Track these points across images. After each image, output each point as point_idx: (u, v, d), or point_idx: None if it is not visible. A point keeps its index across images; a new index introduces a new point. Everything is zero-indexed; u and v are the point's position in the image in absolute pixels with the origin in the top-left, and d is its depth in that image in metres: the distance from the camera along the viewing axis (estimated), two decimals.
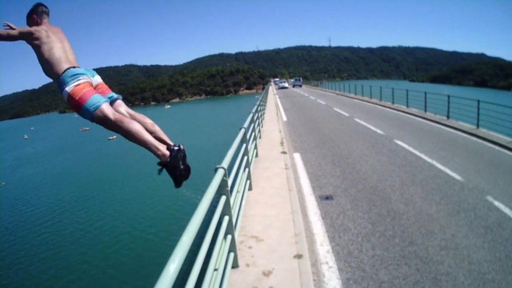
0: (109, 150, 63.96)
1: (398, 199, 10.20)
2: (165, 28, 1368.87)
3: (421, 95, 28.03)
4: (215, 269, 4.92)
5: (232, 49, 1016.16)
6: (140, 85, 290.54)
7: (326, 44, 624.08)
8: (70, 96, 4.34)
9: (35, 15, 4.85)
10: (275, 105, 41.86)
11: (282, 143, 17.89)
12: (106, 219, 27.51)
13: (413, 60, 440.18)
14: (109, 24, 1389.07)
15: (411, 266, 6.92)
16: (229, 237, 5.90)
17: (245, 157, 9.97)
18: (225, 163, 6.14)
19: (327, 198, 10.58)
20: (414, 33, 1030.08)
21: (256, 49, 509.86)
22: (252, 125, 14.07)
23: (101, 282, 19.45)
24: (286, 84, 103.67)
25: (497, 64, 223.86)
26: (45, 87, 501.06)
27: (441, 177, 12.11)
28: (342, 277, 6.63)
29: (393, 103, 35.27)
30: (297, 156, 16.12)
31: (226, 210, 5.83)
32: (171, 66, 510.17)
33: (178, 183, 4.57)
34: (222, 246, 5.47)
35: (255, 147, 14.72)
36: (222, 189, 5.73)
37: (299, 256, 6.64)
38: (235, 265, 6.33)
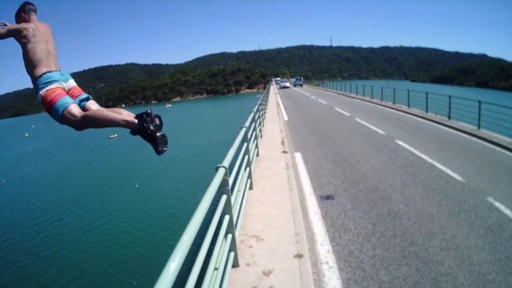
0: (109, 149, 63.94)
1: (399, 199, 10.20)
2: (166, 26, 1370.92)
3: (423, 95, 28.01)
4: (216, 268, 4.92)
5: (234, 48, 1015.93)
6: (142, 84, 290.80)
7: (327, 43, 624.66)
8: (43, 99, 4.66)
9: (23, 13, 5.08)
10: (276, 105, 41.98)
11: (283, 143, 17.90)
12: (106, 218, 27.51)
13: (414, 60, 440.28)
14: (111, 23, 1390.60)
15: (412, 266, 6.92)
16: (230, 236, 5.89)
17: (246, 156, 9.97)
18: (226, 162, 6.13)
19: (327, 197, 10.57)
20: (415, 33, 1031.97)
21: (257, 49, 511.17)
22: (253, 124, 14.04)
23: (101, 281, 19.44)
24: (287, 84, 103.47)
25: (499, 65, 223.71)
26: None
27: (442, 178, 12.10)
28: (343, 277, 6.63)
29: (394, 103, 35.24)
30: (298, 156, 16.11)
31: (227, 209, 5.82)
32: (173, 65, 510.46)
33: (156, 148, 4.78)
34: (222, 246, 5.47)
35: (256, 146, 14.72)
36: (223, 188, 5.72)
37: (299, 256, 6.63)
38: (235, 265, 6.33)
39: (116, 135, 77.18)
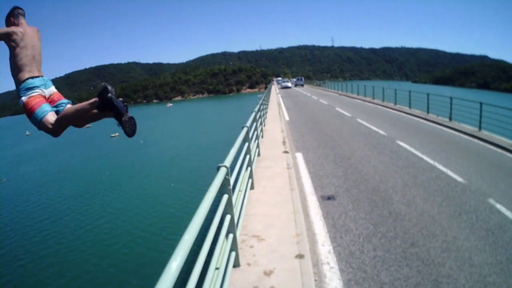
0: (111, 148, 63.97)
1: (400, 200, 10.20)
2: (167, 26, 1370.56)
3: (424, 96, 28.02)
4: (217, 268, 4.93)
5: (235, 48, 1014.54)
6: (143, 83, 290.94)
7: (329, 44, 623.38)
8: (24, 105, 5.04)
9: (12, 18, 5.35)
10: (278, 104, 42.02)
11: (284, 143, 17.94)
12: (107, 217, 27.50)
13: (415, 61, 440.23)
14: (112, 22, 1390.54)
15: (413, 267, 6.92)
16: (231, 236, 5.91)
17: (247, 156, 9.98)
18: (228, 161, 6.16)
19: (329, 198, 10.58)
20: (417, 34, 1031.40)
21: (259, 48, 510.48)
22: (255, 124, 14.13)
23: (101, 280, 19.44)
24: (289, 84, 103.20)
25: (500, 66, 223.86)
26: None
27: (443, 179, 12.11)
28: (344, 277, 6.64)
29: (395, 104, 35.25)
30: (299, 156, 16.11)
31: (228, 209, 5.83)
32: (174, 64, 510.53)
33: (120, 117, 4.89)
34: (223, 245, 5.47)
35: (257, 146, 14.76)
36: (224, 188, 5.73)
37: (300, 256, 6.65)
38: (236, 264, 6.31)
39: (117, 134, 77.09)
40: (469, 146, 17.45)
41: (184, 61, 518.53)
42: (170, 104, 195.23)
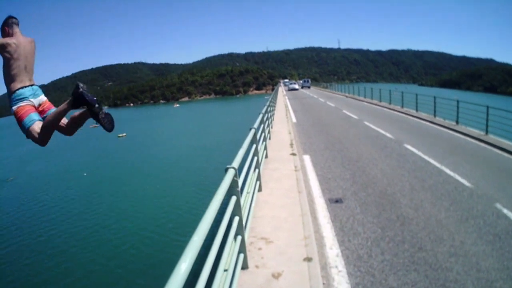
0: (118, 148, 64.10)
1: (408, 204, 10.18)
2: (174, 26, 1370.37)
3: (430, 99, 27.95)
4: (225, 270, 4.91)
5: (242, 49, 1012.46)
6: (150, 83, 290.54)
7: (335, 46, 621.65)
8: (15, 113, 5.34)
9: (6, 27, 5.52)
10: (285, 106, 41.94)
11: (291, 145, 17.91)
12: (114, 218, 27.48)
13: (422, 64, 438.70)
14: (119, 21, 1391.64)
15: (420, 272, 6.91)
16: (239, 238, 5.87)
17: (255, 158, 9.97)
18: (236, 163, 6.16)
19: (336, 201, 10.58)
20: (423, 36, 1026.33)
21: (265, 50, 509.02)
22: (262, 125, 14.13)
23: (109, 280, 19.47)
24: (296, 86, 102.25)
25: (506, 69, 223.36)
26: (53, 83, 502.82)
27: (450, 183, 12.08)
28: (352, 281, 6.63)
29: (402, 106, 35.16)
30: (306, 158, 16.11)
31: (237, 210, 5.85)
32: (181, 64, 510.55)
33: (92, 107, 5.10)
34: (232, 247, 5.46)
35: (265, 148, 14.75)
36: (233, 190, 5.73)
37: (308, 259, 6.64)
38: (244, 266, 6.30)
39: (124, 134, 77.30)
40: (476, 150, 17.40)
41: (191, 61, 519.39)
42: (177, 105, 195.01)
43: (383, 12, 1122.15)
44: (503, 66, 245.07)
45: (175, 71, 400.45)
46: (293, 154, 15.75)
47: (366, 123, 26.01)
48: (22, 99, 5.39)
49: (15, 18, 5.65)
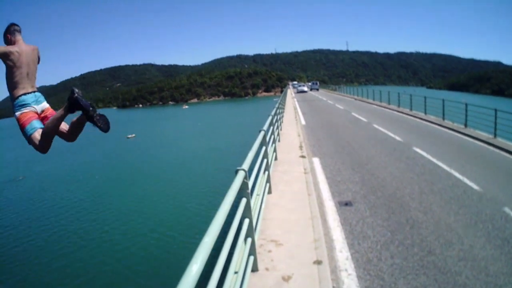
0: (127, 149, 64.18)
1: (417, 208, 10.18)
2: (183, 28, 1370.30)
3: (439, 102, 27.91)
4: (235, 272, 4.96)
5: (250, 51, 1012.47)
6: (159, 85, 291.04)
7: (344, 48, 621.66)
8: (17, 120, 5.57)
9: (9, 34, 5.74)
10: (294, 109, 42.07)
11: (301, 147, 17.97)
12: (122, 219, 27.48)
13: (430, 67, 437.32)
14: (128, 22, 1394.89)
15: (430, 276, 6.91)
16: (249, 240, 5.91)
17: (265, 160, 10.01)
18: (246, 165, 6.16)
19: (346, 204, 10.60)
20: (431, 39, 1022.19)
21: (274, 52, 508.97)
22: (271, 127, 14.17)
23: (119, 281, 19.45)
24: (305, 88, 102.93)
25: None
26: (63, 84, 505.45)
27: (459, 187, 12.06)
28: (361, 285, 6.65)
29: (411, 109, 35.05)
30: (316, 161, 16.14)
31: (247, 212, 5.85)
32: (189, 66, 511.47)
33: (87, 113, 5.30)
34: (242, 249, 5.49)
35: (274, 150, 14.76)
36: (243, 192, 5.76)
37: (318, 262, 6.67)
38: (254, 269, 6.34)
39: (133, 135, 77.35)
40: (485, 154, 17.35)
41: (200, 63, 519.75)
42: (186, 106, 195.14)
43: (391, 14, 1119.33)
44: (511, 69, 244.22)
45: (184, 73, 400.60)
46: (303, 157, 15.81)
47: (375, 125, 26.05)
48: (24, 106, 5.61)
49: (17, 26, 5.86)
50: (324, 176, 13.67)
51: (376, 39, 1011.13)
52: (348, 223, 9.25)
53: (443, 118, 27.35)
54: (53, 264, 21.86)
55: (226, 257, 4.14)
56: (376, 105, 45.68)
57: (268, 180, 10.24)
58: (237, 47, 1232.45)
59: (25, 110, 5.60)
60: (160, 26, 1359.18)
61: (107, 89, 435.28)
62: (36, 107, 5.75)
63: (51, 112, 5.87)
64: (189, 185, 34.79)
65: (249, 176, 6.66)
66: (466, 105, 23.65)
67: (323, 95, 77.06)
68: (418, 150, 17.62)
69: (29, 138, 5.48)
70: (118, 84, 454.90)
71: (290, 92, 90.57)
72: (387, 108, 40.74)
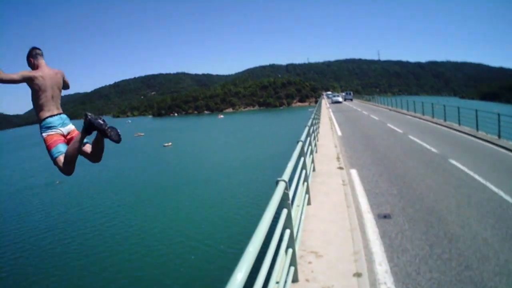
0: (164, 157, 64.43)
1: (455, 221, 10.12)
2: (216, 37, 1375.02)
3: (472, 112, 27.69)
4: (277, 282, 5.01)
5: (283, 61, 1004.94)
6: (193, 94, 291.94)
7: (375, 57, 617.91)
8: (44, 141, 5.87)
9: (32, 58, 6.01)
10: (329, 119, 42.15)
11: (338, 158, 18.08)
12: (160, 227, 27.42)
13: (461, 76, 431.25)
14: (161, 32, 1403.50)
15: None
16: (290, 251, 5.94)
17: (304, 171, 10.03)
18: (286, 176, 6.20)
19: (385, 216, 10.61)
20: (461, 47, 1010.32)
21: (306, 61, 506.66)
22: (309, 138, 14.16)
23: None
24: (340, 99, 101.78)
25: None
26: (97, 91, 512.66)
27: (495, 200, 11.93)
28: None
29: (445, 120, 34.83)
30: (353, 172, 16.13)
31: (288, 223, 5.91)
32: (223, 75, 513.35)
33: (104, 133, 5.56)
34: (283, 260, 5.52)
35: (312, 161, 14.77)
36: (284, 202, 5.80)
37: (358, 275, 6.73)
38: (295, 280, 6.34)
39: (170, 143, 77.65)
40: None
41: (233, 72, 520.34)
42: (222, 116, 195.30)
43: (421, 23, 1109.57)
44: None
45: (217, 82, 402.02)
46: (340, 168, 15.93)
47: (411, 137, 25.91)
48: (51, 128, 5.92)
49: (39, 49, 6.12)
50: (363, 188, 13.68)
51: (407, 48, 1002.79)
52: (387, 236, 9.26)
53: (477, 129, 27.11)
54: (88, 268, 22.08)
55: (268, 267, 4.21)
56: (411, 115, 45.45)
57: (307, 191, 10.32)
58: (270, 57, 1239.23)
59: (51, 132, 5.91)
60: (193, 35, 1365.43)
61: (142, 97, 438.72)
62: (62, 129, 6.04)
63: (77, 134, 6.06)
64: (225, 194, 34.71)
65: (289, 187, 6.63)
66: (499, 115, 23.42)
67: (357, 106, 76.86)
68: (453, 162, 17.47)
69: (54, 161, 5.82)
70: (153, 93, 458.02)
71: (325, 102, 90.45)
72: (421, 118, 40.57)
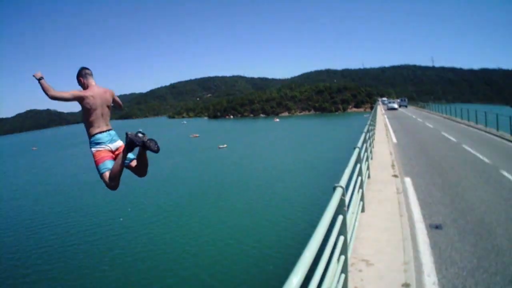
0: (218, 158, 64.90)
1: (503, 235, 9.99)
2: (271, 41, 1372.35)
3: None
4: None
5: (338, 66, 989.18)
6: (249, 97, 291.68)
7: (429, 63, 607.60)
8: (93, 156, 6.28)
9: (81, 78, 6.47)
10: (384, 126, 41.97)
11: (393, 166, 18.11)
12: (211, 228, 27.95)
13: None
14: (219, 35, 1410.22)
15: None
16: (343, 258, 5.97)
17: (359, 178, 10.08)
18: (343, 182, 6.25)
19: (436, 227, 10.57)
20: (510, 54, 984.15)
21: (361, 67, 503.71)
22: (365, 145, 14.19)
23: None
24: (395, 105, 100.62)
25: None
26: (153, 92, 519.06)
27: None
28: None
29: (497, 130, 34.14)
30: (407, 181, 16.05)
31: (342, 230, 5.98)
32: (279, 79, 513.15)
33: (147, 147, 5.96)
34: (335, 266, 5.54)
35: (368, 168, 14.84)
36: (340, 209, 5.85)
37: (407, 285, 6.81)
38: (345, 287, 6.26)
39: (225, 145, 78.09)
40: None
41: (289, 76, 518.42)
42: (277, 120, 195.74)
43: (472, 29, 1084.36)
44: None
45: (273, 86, 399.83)
46: (395, 176, 15.97)
47: (464, 146, 25.59)
48: (99, 144, 6.31)
49: (89, 69, 6.58)
50: (416, 197, 13.61)
51: (460, 54, 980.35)
52: (437, 247, 9.21)
53: None
54: (136, 265, 22.59)
55: (321, 273, 4.26)
56: (465, 124, 44.67)
57: (362, 199, 10.43)
58: (325, 61, 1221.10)
59: (99, 148, 6.30)
60: (250, 38, 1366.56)
61: (197, 99, 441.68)
62: (110, 146, 6.41)
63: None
64: (278, 198, 34.84)
65: (345, 193, 6.70)
66: None
67: (412, 112, 76.18)
68: (505, 173, 17.15)
69: (100, 175, 6.18)
70: (209, 95, 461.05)
71: (380, 108, 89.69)
72: (474, 127, 39.87)
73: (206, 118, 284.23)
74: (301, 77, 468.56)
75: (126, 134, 5.90)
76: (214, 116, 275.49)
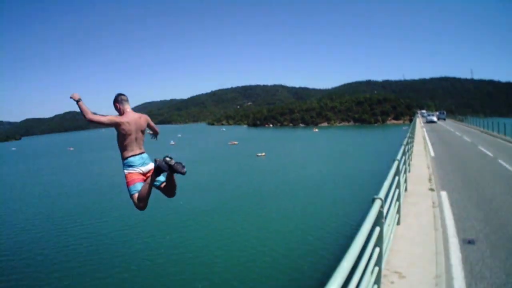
0: (256, 166, 64.78)
1: None
2: (312, 51, 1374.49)
3: None
4: None
5: (379, 77, 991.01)
6: (289, 106, 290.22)
7: (468, 75, 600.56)
8: (125, 177, 6.65)
9: (117, 103, 6.81)
10: (423, 139, 41.79)
11: (430, 179, 18.05)
12: (245, 236, 27.80)
13: None
14: (260, 44, 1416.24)
15: None
16: (376, 269, 6.03)
17: (397, 190, 10.11)
18: (382, 194, 6.34)
19: (469, 242, 10.53)
20: None
21: (402, 78, 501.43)
22: (403, 157, 14.18)
23: None
24: (434, 118, 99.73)
25: None
26: (192, 99, 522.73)
27: None
28: None
29: None
30: (443, 195, 15.96)
31: (379, 241, 6.06)
32: (319, 89, 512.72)
33: (175, 171, 6.31)
34: (369, 277, 5.57)
35: (405, 181, 14.82)
36: (378, 220, 5.95)
37: None
38: None
39: (264, 154, 77.94)
40: None
41: (330, 87, 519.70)
42: (317, 130, 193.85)
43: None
44: None
45: (314, 96, 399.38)
46: (431, 190, 15.97)
47: (500, 161, 25.22)
48: (132, 166, 6.66)
49: (124, 95, 6.91)
50: (451, 212, 13.54)
51: (498, 67, 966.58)
52: (469, 262, 9.19)
53: None
54: (167, 268, 22.74)
55: (356, 284, 4.30)
56: (501, 138, 44.10)
57: (398, 211, 10.50)
58: (366, 72, 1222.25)
59: (131, 170, 6.65)
60: (291, 48, 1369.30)
61: (238, 107, 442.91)
62: (142, 169, 6.75)
63: None
64: (313, 207, 34.68)
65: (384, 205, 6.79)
66: None
67: (450, 126, 75.45)
68: None
69: (130, 196, 6.55)
70: (249, 103, 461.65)
71: (419, 121, 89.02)
72: (511, 142, 39.43)
73: (245, 126, 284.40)
74: (342, 88, 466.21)
75: (155, 160, 6.28)
76: (253, 124, 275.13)
